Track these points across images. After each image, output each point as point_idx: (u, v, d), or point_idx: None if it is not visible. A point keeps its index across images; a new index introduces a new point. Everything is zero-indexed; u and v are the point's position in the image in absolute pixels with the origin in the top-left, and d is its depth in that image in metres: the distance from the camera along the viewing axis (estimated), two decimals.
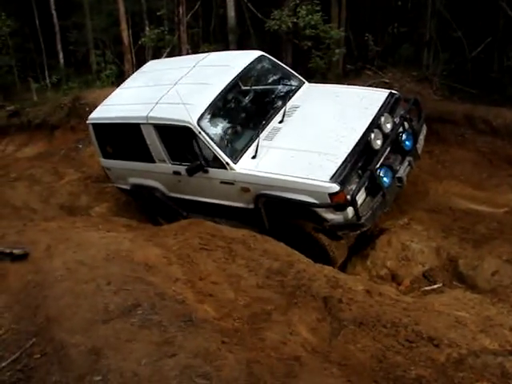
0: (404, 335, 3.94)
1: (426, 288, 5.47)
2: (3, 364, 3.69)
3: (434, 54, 9.78)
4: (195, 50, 13.16)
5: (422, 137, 6.51)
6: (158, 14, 14.74)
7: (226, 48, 13.43)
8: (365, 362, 3.67)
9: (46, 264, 4.89)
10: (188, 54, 11.50)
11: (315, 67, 9.84)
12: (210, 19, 15.62)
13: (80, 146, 11.32)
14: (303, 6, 9.78)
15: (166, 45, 14.04)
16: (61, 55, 18.52)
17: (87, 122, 7.50)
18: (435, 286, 5.46)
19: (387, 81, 8.91)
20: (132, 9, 16.55)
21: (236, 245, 5.52)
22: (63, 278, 4.57)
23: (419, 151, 6.44)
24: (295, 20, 9.70)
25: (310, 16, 9.52)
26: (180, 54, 11.57)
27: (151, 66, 8.30)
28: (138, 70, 8.38)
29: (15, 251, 5.02)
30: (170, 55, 12.92)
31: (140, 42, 14.39)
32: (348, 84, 8.11)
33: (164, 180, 6.97)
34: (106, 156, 7.59)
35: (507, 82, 8.61)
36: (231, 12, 13.58)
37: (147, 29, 15.19)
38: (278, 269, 5.01)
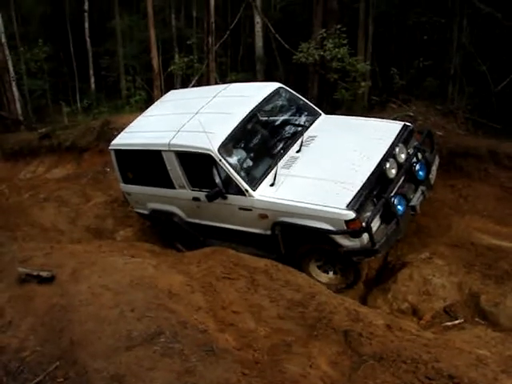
0: (424, 372, 3.93)
1: (447, 323, 5.43)
2: None
3: (458, 88, 9.82)
4: (223, 78, 13.39)
5: (434, 167, 6.69)
6: (188, 42, 15.07)
7: (254, 77, 13.63)
8: None
9: (71, 288, 4.99)
10: (216, 82, 11.71)
11: (341, 99, 9.97)
12: (238, 49, 15.90)
13: (107, 169, 11.49)
14: (330, 40, 9.93)
15: (195, 73, 14.29)
16: (92, 80, 19.05)
17: (109, 147, 7.70)
18: (456, 322, 5.42)
19: (412, 114, 8.92)
20: (162, 36, 16.95)
21: (258, 275, 5.57)
22: (88, 302, 4.67)
23: (432, 181, 6.61)
24: (322, 53, 9.85)
25: (336, 49, 9.67)
26: (208, 83, 11.79)
27: (173, 95, 8.55)
28: (160, 99, 8.65)
29: (42, 274, 5.15)
30: (199, 83, 13.16)
31: (169, 70, 14.68)
32: (373, 116, 8.16)
33: (183, 206, 7.14)
34: (127, 181, 7.77)
35: None
36: (259, 42, 13.83)
37: (177, 56, 15.50)
38: (299, 300, 5.04)
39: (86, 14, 18.37)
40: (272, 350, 4.31)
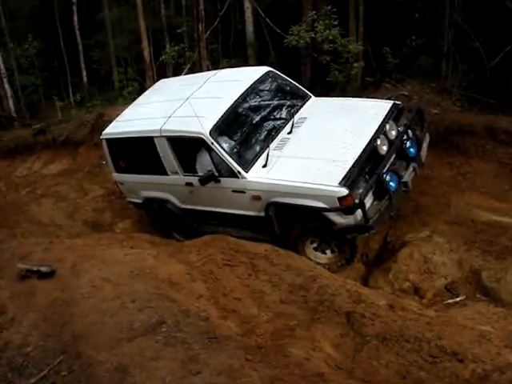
0: (427, 350, 3.94)
1: (449, 301, 5.44)
2: (32, 381, 3.80)
3: (452, 65, 9.73)
4: (215, 65, 13.28)
5: (425, 145, 6.72)
6: (179, 31, 14.96)
7: (246, 63, 13.53)
8: (388, 379, 3.67)
9: (72, 281, 4.99)
10: (208, 69, 11.59)
11: (334, 81, 9.87)
12: (229, 35, 15.78)
13: (103, 162, 11.41)
14: (321, 21, 9.82)
15: (187, 61, 14.20)
16: (84, 73, 18.91)
17: (101, 137, 7.67)
18: (458, 299, 5.43)
19: (406, 93, 8.88)
20: (153, 26, 16.81)
21: (259, 260, 5.57)
22: (89, 295, 4.66)
23: (423, 158, 6.64)
24: (313, 35, 9.75)
25: (327, 31, 9.56)
26: (200, 70, 11.68)
27: (163, 83, 8.54)
28: (150, 88, 8.61)
29: (42, 269, 5.15)
30: (191, 71, 13.05)
31: (161, 59, 14.58)
32: (367, 97, 8.14)
33: (176, 192, 7.14)
34: (119, 170, 7.76)
35: None
36: (250, 27, 13.70)
37: (168, 46, 15.38)
38: (300, 284, 5.04)
39: (74, 7, 18.17)
40: (275, 335, 4.32)
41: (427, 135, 6.83)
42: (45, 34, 19.82)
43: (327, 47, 9.62)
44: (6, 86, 16.56)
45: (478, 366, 3.70)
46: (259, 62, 13.67)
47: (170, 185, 7.14)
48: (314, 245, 6.44)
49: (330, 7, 9.89)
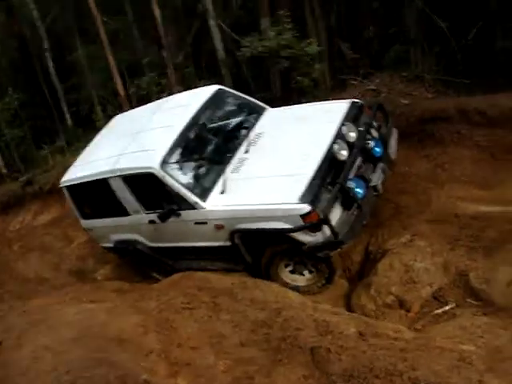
0: None
1: (438, 311, 4.85)
2: None
3: (421, 51, 9.17)
4: (191, 88, 12.94)
5: (393, 141, 6.24)
6: (144, 62, 14.77)
7: (221, 81, 13.18)
8: None
9: (14, 354, 4.60)
10: None
11: (300, 86, 9.35)
12: (200, 56, 15.49)
13: None
14: (272, 27, 9.32)
15: (165, 89, 13.91)
16: (68, 116, 18.70)
17: (60, 185, 7.34)
18: (447, 308, 4.84)
19: (373, 87, 8.36)
20: (126, 60, 16.58)
21: (222, 298, 5.14)
22: (27, 369, 4.26)
23: (393, 156, 6.16)
24: (267, 44, 9.21)
25: (280, 36, 9.03)
26: None
27: (118, 119, 8.15)
28: (105, 126, 8.19)
29: None
30: None
31: (130, 93, 14.34)
32: (334, 98, 7.68)
33: (142, 231, 6.76)
34: (85, 217, 7.43)
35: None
36: (218, 45, 13.30)
37: (143, 77, 15.11)
38: (263, 320, 4.59)
39: (47, 54, 17.99)
40: None
41: (394, 130, 6.34)
42: (27, 83, 19.73)
43: (284, 53, 9.11)
44: None
45: None
46: (234, 78, 13.30)
47: (134, 225, 6.75)
48: (290, 268, 5.95)
49: (283, 11, 9.33)
